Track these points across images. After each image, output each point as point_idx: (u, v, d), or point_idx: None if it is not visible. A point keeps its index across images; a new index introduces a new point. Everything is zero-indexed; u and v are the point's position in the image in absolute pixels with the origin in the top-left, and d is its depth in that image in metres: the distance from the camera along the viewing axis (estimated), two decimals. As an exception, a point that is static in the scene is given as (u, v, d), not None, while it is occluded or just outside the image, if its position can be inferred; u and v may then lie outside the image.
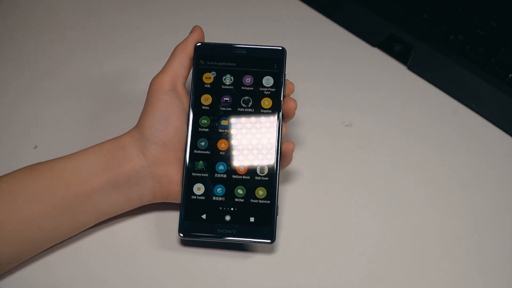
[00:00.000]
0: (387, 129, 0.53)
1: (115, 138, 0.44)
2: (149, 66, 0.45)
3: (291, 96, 0.46)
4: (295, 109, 0.44)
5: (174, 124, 0.43)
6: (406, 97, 0.55)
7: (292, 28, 0.60)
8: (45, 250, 0.43)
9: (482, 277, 0.44)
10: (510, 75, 0.51)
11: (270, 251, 0.45)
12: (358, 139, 0.52)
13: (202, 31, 0.46)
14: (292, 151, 0.44)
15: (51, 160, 0.42)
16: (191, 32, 0.45)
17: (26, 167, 0.42)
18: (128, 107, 0.48)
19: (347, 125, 0.53)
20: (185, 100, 0.44)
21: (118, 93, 0.54)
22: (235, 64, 0.45)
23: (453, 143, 0.52)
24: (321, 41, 0.59)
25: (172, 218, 0.46)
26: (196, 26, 0.46)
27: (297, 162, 0.50)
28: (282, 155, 0.44)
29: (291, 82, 0.46)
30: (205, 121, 0.44)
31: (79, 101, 0.54)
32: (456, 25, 0.55)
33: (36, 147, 0.50)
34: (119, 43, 0.59)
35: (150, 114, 0.43)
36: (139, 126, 0.43)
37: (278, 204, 0.43)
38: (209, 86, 0.44)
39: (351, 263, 0.45)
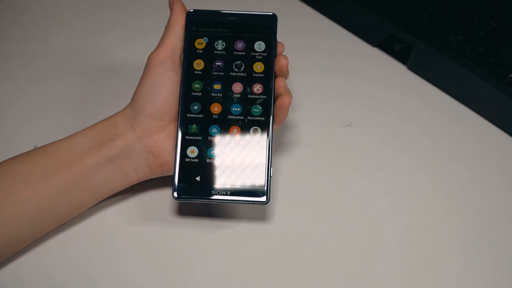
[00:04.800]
0: (387, 129, 0.53)
1: (108, 117, 0.44)
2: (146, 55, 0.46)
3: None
4: (287, 65, 0.44)
5: (163, 95, 0.43)
6: (406, 97, 0.55)
7: (292, 28, 0.59)
8: (40, 238, 0.43)
9: (482, 277, 0.44)
10: (510, 75, 0.51)
11: (268, 231, 0.46)
12: (358, 139, 0.52)
13: (181, 1, 0.45)
14: (288, 105, 0.43)
15: (45, 144, 0.43)
16: (170, 4, 0.45)
17: (20, 154, 0.43)
18: (128, 97, 0.49)
19: (347, 125, 0.53)
20: (180, 71, 0.45)
21: (116, 87, 0.54)
22: (227, 30, 0.45)
23: (453, 143, 0.52)
24: (321, 40, 0.59)
25: (162, 196, 0.47)
26: None
27: (297, 162, 0.50)
28: (278, 108, 0.43)
29: (281, 43, 0.46)
30: (198, 86, 0.44)
31: (79, 99, 0.54)
32: (456, 25, 0.55)
33: (36, 147, 0.50)
34: (117, 37, 0.59)
35: (141, 86, 0.43)
36: (131, 101, 0.44)
37: (272, 165, 0.43)
38: (201, 51, 0.45)
39: (351, 264, 0.45)
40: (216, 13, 0.45)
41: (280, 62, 0.44)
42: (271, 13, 0.45)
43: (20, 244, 0.42)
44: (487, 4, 0.56)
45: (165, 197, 0.47)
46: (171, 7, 0.45)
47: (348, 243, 0.45)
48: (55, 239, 0.44)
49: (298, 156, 0.50)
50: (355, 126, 0.53)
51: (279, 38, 0.46)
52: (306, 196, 0.48)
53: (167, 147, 0.44)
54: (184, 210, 0.47)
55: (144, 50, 0.46)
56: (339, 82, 0.56)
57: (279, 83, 0.44)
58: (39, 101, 0.54)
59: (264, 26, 0.45)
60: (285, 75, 0.45)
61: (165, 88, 0.43)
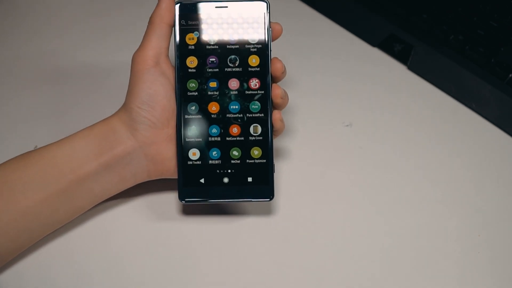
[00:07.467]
0: (387, 129, 0.53)
1: (104, 120, 0.43)
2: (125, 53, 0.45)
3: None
4: (282, 70, 0.43)
5: (161, 103, 0.42)
6: (406, 97, 0.55)
7: (292, 28, 0.59)
8: (41, 240, 0.43)
9: (482, 277, 0.44)
10: (510, 75, 0.51)
11: (269, 227, 0.46)
12: (358, 139, 0.52)
13: None
14: (279, 119, 0.43)
15: (41, 147, 0.42)
16: None
17: (16, 156, 0.42)
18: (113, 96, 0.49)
19: (347, 125, 0.53)
20: (170, 74, 0.43)
21: (117, 86, 0.54)
22: (218, 22, 0.43)
23: (453, 143, 0.52)
24: (321, 41, 0.59)
25: (166, 192, 0.47)
26: None
27: (297, 162, 0.50)
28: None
29: (277, 24, 0.43)
30: (193, 85, 0.43)
31: (80, 100, 0.54)
32: (456, 25, 0.55)
33: (36, 147, 0.50)
34: (118, 41, 0.59)
35: (135, 96, 0.42)
36: (126, 107, 0.43)
37: (274, 162, 0.43)
38: (193, 47, 0.43)
39: (350, 264, 0.45)
40: (205, 4, 0.43)
41: (274, 66, 0.43)
42: (263, 0, 0.43)
43: (19, 249, 0.42)
44: (487, 4, 0.56)
45: (169, 194, 0.47)
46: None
47: (348, 243, 0.45)
48: (57, 241, 0.44)
49: (299, 156, 0.50)
50: (355, 126, 0.53)
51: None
52: (307, 196, 0.48)
53: (168, 155, 0.43)
54: (189, 206, 0.46)
55: (121, 48, 0.45)
56: (339, 82, 0.56)
57: (275, 115, 0.43)
58: (42, 103, 0.54)
59: (256, 15, 0.43)
60: (280, 78, 0.44)
61: (161, 96, 0.42)
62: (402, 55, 0.57)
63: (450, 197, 0.48)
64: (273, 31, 0.43)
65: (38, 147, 0.49)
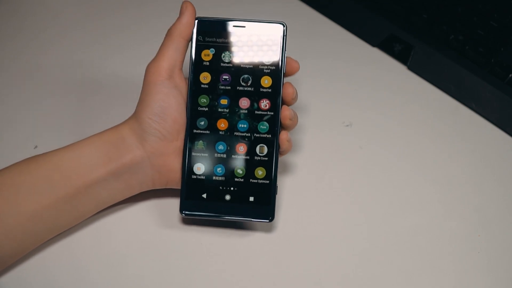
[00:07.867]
0: (387, 129, 0.53)
1: (114, 128, 0.43)
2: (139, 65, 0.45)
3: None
4: (293, 95, 0.43)
5: (172, 116, 0.42)
6: (406, 97, 0.55)
7: (292, 28, 0.59)
8: (43, 243, 0.43)
9: (482, 277, 0.44)
10: (510, 75, 0.51)
11: (269, 230, 0.46)
12: (358, 139, 0.52)
13: (194, 8, 0.43)
14: (286, 140, 0.43)
15: (49, 152, 0.42)
16: (182, 11, 0.43)
17: (23, 160, 0.42)
18: (126, 101, 0.49)
19: (347, 125, 0.53)
20: (183, 87, 0.43)
21: (117, 92, 0.54)
22: (234, 41, 0.43)
23: (453, 143, 0.52)
24: (321, 41, 0.59)
25: (170, 203, 0.47)
26: (186, 2, 0.43)
27: (297, 162, 0.50)
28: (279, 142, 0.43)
29: (295, 60, 0.44)
30: (204, 100, 0.43)
31: (80, 99, 0.54)
32: (456, 25, 0.55)
33: (36, 147, 0.50)
34: (118, 44, 0.59)
35: (148, 107, 0.42)
36: (137, 117, 0.43)
37: (277, 184, 0.43)
38: (207, 63, 0.44)
39: (349, 262, 0.45)
40: (223, 22, 0.44)
41: (286, 91, 0.43)
42: (280, 23, 0.43)
43: (23, 252, 0.42)
44: (487, 4, 0.56)
45: (173, 200, 0.47)
46: (181, 13, 0.43)
47: (348, 242, 0.45)
48: (59, 244, 0.44)
49: (298, 156, 0.50)
50: (355, 126, 0.53)
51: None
52: (306, 195, 0.48)
53: (175, 167, 0.43)
54: (190, 218, 0.46)
55: (144, 55, 0.46)
56: (339, 82, 0.56)
57: (283, 135, 0.43)
58: (42, 103, 0.54)
59: (273, 37, 0.43)
60: (292, 103, 0.44)
61: (173, 109, 0.42)
62: (402, 55, 0.57)
63: (450, 197, 0.48)
64: (288, 66, 0.44)
65: (38, 147, 0.50)
